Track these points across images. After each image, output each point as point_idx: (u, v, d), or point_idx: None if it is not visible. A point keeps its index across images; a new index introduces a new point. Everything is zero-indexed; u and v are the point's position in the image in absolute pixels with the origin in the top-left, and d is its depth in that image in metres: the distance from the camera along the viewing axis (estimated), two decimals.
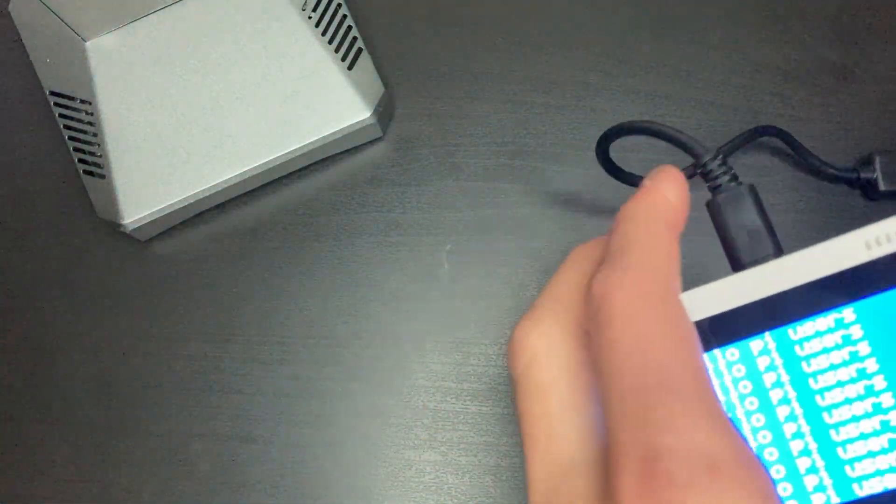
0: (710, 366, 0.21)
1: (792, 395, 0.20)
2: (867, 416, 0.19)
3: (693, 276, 0.22)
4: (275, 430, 0.40)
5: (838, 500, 0.19)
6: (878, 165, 0.39)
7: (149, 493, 0.40)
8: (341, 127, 0.40)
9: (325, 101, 0.41)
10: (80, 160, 0.41)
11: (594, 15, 0.43)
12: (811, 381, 0.20)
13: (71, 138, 0.42)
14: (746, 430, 0.20)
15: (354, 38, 0.42)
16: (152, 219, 0.41)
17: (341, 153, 0.43)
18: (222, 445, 0.40)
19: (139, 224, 0.41)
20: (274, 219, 0.43)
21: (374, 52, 0.43)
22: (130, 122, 0.41)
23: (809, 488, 0.20)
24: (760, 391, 0.20)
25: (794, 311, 0.20)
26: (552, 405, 0.21)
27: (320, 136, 0.40)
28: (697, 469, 0.17)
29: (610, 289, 0.20)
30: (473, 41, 0.44)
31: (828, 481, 0.19)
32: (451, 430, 0.39)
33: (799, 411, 0.20)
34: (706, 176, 0.24)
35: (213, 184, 0.41)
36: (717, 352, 0.21)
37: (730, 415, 0.21)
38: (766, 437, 0.20)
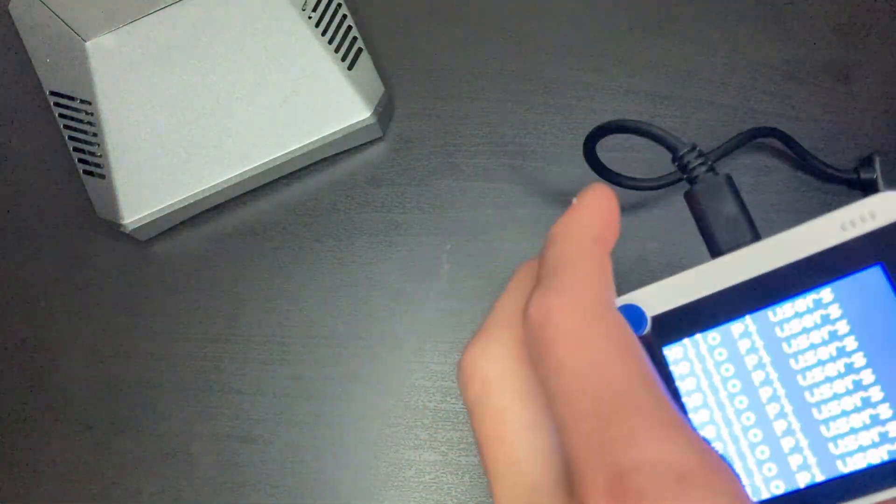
0: (692, 351, 0.21)
1: (774, 376, 0.20)
2: (848, 393, 0.20)
3: (673, 266, 0.22)
4: (275, 430, 0.40)
5: (822, 477, 0.20)
6: (878, 166, 0.39)
7: (149, 493, 0.40)
8: (341, 127, 0.40)
9: (325, 101, 0.41)
10: (80, 160, 0.41)
11: (594, 15, 0.43)
12: (792, 361, 0.20)
13: (71, 138, 0.42)
14: (730, 412, 0.21)
15: (354, 38, 0.42)
16: (152, 219, 0.41)
17: (341, 153, 0.43)
18: (222, 445, 0.40)
19: (139, 224, 0.41)
20: (274, 219, 0.43)
21: (374, 52, 0.43)
22: (130, 122, 0.41)
23: (794, 467, 0.20)
24: (743, 373, 0.21)
25: (772, 293, 0.20)
26: (509, 430, 0.20)
27: (320, 136, 0.40)
28: (666, 481, 0.17)
29: (547, 312, 0.19)
30: (473, 41, 0.44)
31: (812, 459, 0.20)
32: (451, 430, 0.39)
33: (781, 392, 0.20)
34: (683, 168, 0.24)
35: (213, 184, 0.41)
36: (698, 336, 0.21)
37: (713, 398, 0.21)
38: (749, 418, 0.20)
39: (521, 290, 0.22)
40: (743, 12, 0.43)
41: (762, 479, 0.20)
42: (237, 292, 0.42)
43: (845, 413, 0.19)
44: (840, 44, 0.42)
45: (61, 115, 0.42)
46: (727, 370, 0.21)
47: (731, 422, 0.21)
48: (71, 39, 0.42)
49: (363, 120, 0.41)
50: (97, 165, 0.41)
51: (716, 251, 0.23)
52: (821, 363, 0.20)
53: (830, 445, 0.20)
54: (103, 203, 0.41)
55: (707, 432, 0.21)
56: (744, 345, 0.21)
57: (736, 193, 0.23)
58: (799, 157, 0.39)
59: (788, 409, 0.20)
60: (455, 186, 0.42)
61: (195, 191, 0.41)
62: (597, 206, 0.22)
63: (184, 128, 0.41)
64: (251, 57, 0.41)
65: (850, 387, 0.19)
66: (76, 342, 0.42)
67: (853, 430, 0.19)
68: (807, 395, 0.20)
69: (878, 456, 0.19)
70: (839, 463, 0.19)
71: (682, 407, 0.21)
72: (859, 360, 0.19)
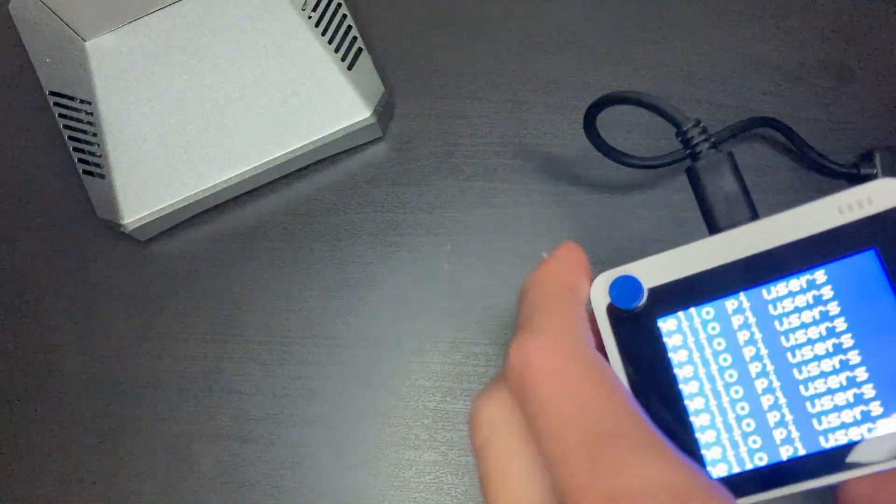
0: (685, 323, 0.22)
1: (764, 352, 0.21)
2: (835, 372, 0.20)
3: (671, 243, 0.22)
4: (275, 430, 0.40)
5: (804, 451, 0.20)
6: (878, 161, 0.39)
7: (149, 493, 0.40)
8: (341, 127, 0.40)
9: (325, 101, 0.41)
10: (80, 160, 0.41)
11: (594, 15, 0.43)
12: (783, 338, 0.21)
13: (71, 138, 0.42)
14: (719, 385, 0.21)
15: (354, 38, 0.41)
16: (152, 219, 0.41)
17: (341, 153, 0.43)
18: (222, 445, 0.40)
19: (139, 224, 0.41)
20: (274, 219, 0.43)
21: (374, 52, 0.43)
22: (130, 122, 0.41)
23: (777, 441, 0.21)
24: (734, 348, 0.21)
25: (768, 271, 0.21)
26: (513, 473, 0.21)
27: (320, 136, 0.40)
28: (666, 503, 0.17)
29: (527, 355, 0.20)
30: (473, 41, 0.44)
31: (795, 434, 0.20)
32: (452, 431, 0.39)
33: (770, 368, 0.21)
34: (686, 143, 0.25)
35: (213, 184, 0.41)
36: (692, 310, 0.22)
37: (704, 370, 0.21)
38: (737, 392, 0.21)
39: None
40: (743, 12, 0.43)
41: (746, 451, 0.21)
42: (237, 292, 0.42)
43: (831, 391, 0.20)
44: (840, 44, 0.42)
45: (61, 115, 0.42)
46: (719, 344, 0.21)
47: (720, 394, 0.21)
48: (71, 39, 0.42)
49: (363, 120, 0.41)
50: (97, 165, 0.41)
51: (714, 228, 0.23)
52: (810, 342, 0.20)
53: (814, 421, 0.20)
54: (103, 203, 0.41)
55: (696, 403, 0.21)
56: (737, 320, 0.21)
57: (737, 171, 0.24)
58: (799, 151, 0.39)
59: (776, 384, 0.21)
60: (455, 186, 0.42)
61: (195, 191, 0.41)
62: (567, 259, 0.23)
63: (184, 128, 0.41)
64: (251, 57, 0.41)
65: (837, 366, 0.20)
66: (76, 342, 0.42)
67: (837, 408, 0.20)
68: (795, 371, 0.21)
69: (858, 433, 0.20)
70: (821, 438, 0.20)
71: (673, 377, 0.22)
72: (847, 340, 0.20)
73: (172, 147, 0.41)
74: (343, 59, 0.41)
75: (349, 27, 0.42)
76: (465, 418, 0.40)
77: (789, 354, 0.21)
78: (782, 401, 0.21)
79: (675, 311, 0.22)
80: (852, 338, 0.20)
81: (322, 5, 0.42)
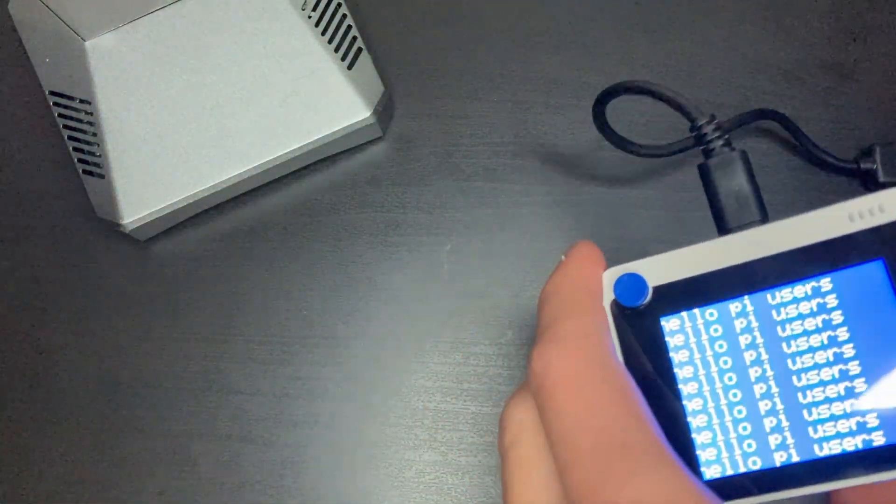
0: (688, 324, 0.22)
1: (765, 357, 0.21)
2: (834, 381, 0.20)
3: (678, 240, 0.22)
4: (275, 430, 0.40)
5: (798, 458, 0.20)
6: (878, 157, 0.39)
7: (149, 493, 0.40)
8: (341, 127, 0.40)
9: (325, 100, 0.41)
10: (80, 160, 0.41)
11: (594, 15, 0.43)
12: (784, 344, 0.21)
13: (70, 138, 0.42)
14: (718, 387, 0.21)
15: (354, 38, 0.41)
16: (152, 219, 0.41)
17: (341, 153, 0.43)
18: (222, 445, 0.40)
19: (139, 224, 0.41)
20: (274, 219, 0.43)
21: (374, 52, 0.43)
22: (130, 122, 0.41)
23: (772, 446, 0.21)
24: (735, 351, 0.21)
25: (773, 276, 0.21)
26: (534, 480, 0.21)
27: (320, 135, 0.40)
28: None
29: (548, 362, 0.21)
30: (473, 41, 0.44)
31: (790, 440, 0.20)
32: (452, 431, 0.39)
33: (770, 373, 0.21)
34: (700, 139, 0.24)
35: (212, 184, 0.41)
36: (696, 311, 0.22)
37: (703, 371, 0.21)
38: (735, 395, 0.21)
39: None
40: (743, 12, 0.43)
41: (740, 454, 0.21)
42: (237, 292, 0.42)
43: (828, 400, 0.20)
44: (840, 44, 0.42)
45: (61, 115, 0.42)
46: (720, 346, 0.21)
47: (719, 396, 0.21)
48: (70, 39, 0.42)
49: (363, 120, 0.41)
50: (97, 165, 0.41)
51: (723, 228, 0.23)
52: (812, 349, 0.20)
53: (810, 429, 0.20)
54: (103, 203, 0.41)
55: (694, 404, 0.21)
56: (740, 324, 0.21)
57: (750, 171, 0.24)
58: (799, 144, 0.39)
59: (775, 390, 0.21)
60: (455, 186, 0.42)
61: (195, 191, 0.41)
62: (585, 260, 0.23)
63: (183, 128, 0.41)
64: (251, 57, 0.41)
65: (837, 375, 0.20)
66: (76, 342, 0.42)
67: (833, 417, 0.20)
68: (794, 378, 0.21)
69: (853, 444, 0.20)
70: (816, 447, 0.20)
71: (672, 377, 0.22)
72: (849, 350, 0.20)
73: (172, 147, 0.41)
74: (343, 59, 0.41)
75: (349, 27, 0.42)
76: (465, 418, 0.40)
77: (789, 361, 0.21)
78: (780, 407, 0.21)
79: (679, 311, 0.22)
80: (853, 348, 0.20)
81: (322, 5, 0.42)
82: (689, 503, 0.18)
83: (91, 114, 0.41)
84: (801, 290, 0.21)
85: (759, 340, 0.21)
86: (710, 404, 0.21)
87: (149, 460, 0.40)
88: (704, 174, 0.24)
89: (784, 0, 0.43)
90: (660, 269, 0.22)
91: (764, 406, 0.21)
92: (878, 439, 0.19)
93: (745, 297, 0.21)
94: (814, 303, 0.20)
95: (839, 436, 0.20)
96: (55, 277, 0.43)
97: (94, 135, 0.41)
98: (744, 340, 0.21)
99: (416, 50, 0.44)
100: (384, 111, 0.42)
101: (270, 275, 0.42)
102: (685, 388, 0.22)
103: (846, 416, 0.20)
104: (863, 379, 0.20)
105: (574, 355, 0.21)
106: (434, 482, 0.39)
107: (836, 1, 0.42)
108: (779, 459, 0.20)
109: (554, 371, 0.20)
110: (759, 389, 0.21)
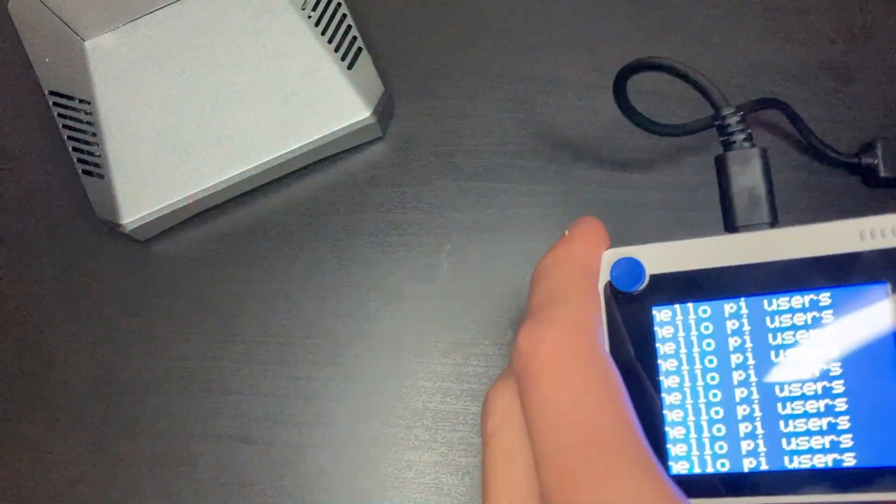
0: (679, 317, 0.21)
1: (751, 361, 0.21)
2: (815, 397, 0.20)
3: (683, 226, 0.22)
4: (275, 430, 0.40)
5: (766, 467, 0.20)
6: (879, 151, 0.39)
7: (149, 493, 0.40)
8: (341, 127, 0.40)
9: (325, 100, 0.41)
10: (80, 160, 0.41)
11: (594, 15, 0.43)
12: (772, 353, 0.20)
13: (70, 138, 0.41)
14: (699, 385, 0.21)
15: (354, 38, 0.41)
16: (152, 219, 0.41)
17: (341, 153, 0.43)
18: (222, 445, 0.40)
19: (139, 224, 0.41)
20: (274, 219, 0.43)
21: (374, 52, 0.43)
22: (130, 122, 0.41)
23: (743, 451, 0.20)
24: (722, 351, 0.21)
25: (773, 282, 0.21)
26: (515, 469, 0.21)
27: (320, 135, 0.40)
28: None
29: (536, 344, 0.20)
30: (474, 41, 0.43)
31: (762, 448, 0.20)
32: (452, 431, 0.39)
33: (753, 379, 0.21)
34: (722, 130, 0.23)
35: (212, 184, 0.41)
36: (689, 305, 0.21)
37: (687, 367, 0.21)
38: (715, 395, 0.21)
39: None
40: (743, 12, 0.43)
41: (710, 455, 0.21)
42: (237, 292, 0.42)
43: (807, 414, 0.20)
44: (840, 44, 0.42)
45: (60, 115, 0.42)
46: (708, 345, 0.21)
47: (698, 394, 0.21)
48: (70, 39, 0.42)
49: (363, 120, 0.40)
50: (96, 165, 0.41)
51: (731, 225, 0.23)
52: (798, 362, 0.20)
53: (784, 440, 0.20)
54: (103, 203, 0.41)
55: (672, 398, 0.21)
56: (731, 325, 0.21)
57: (767, 171, 0.23)
58: (801, 134, 0.39)
59: (755, 396, 0.20)
60: (455, 186, 0.42)
61: (195, 191, 0.41)
62: (588, 236, 0.22)
63: (183, 128, 0.41)
64: (251, 57, 0.41)
65: (819, 392, 0.20)
66: (76, 342, 0.42)
67: (809, 433, 0.20)
68: (776, 388, 0.20)
69: (823, 461, 0.20)
70: (786, 458, 0.20)
71: (655, 367, 0.21)
72: (835, 368, 0.20)
73: (172, 147, 0.41)
74: (343, 59, 0.41)
75: (349, 27, 0.42)
76: (465, 419, 0.40)
77: (775, 370, 0.20)
78: (757, 413, 0.20)
79: (672, 303, 0.22)
80: (840, 367, 0.20)
81: (322, 5, 0.42)
82: None
83: (91, 114, 0.41)
84: (798, 300, 0.20)
85: (749, 345, 0.21)
86: (689, 401, 0.21)
87: (149, 460, 0.40)
88: (721, 166, 0.23)
89: (784, 0, 0.43)
90: (660, 258, 0.22)
91: (742, 410, 0.20)
92: (849, 460, 0.19)
93: (742, 299, 0.21)
94: (809, 315, 0.20)
95: (811, 451, 0.20)
96: (55, 277, 0.43)
97: (94, 135, 0.41)
98: (733, 342, 0.21)
99: (416, 50, 0.44)
100: (384, 111, 0.42)
101: (270, 275, 0.42)
102: (666, 381, 0.21)
103: (821, 432, 0.20)
104: (844, 399, 0.20)
105: (566, 342, 0.20)
106: (434, 483, 0.39)
107: (836, 2, 0.42)
108: (747, 465, 0.20)
109: (543, 353, 0.20)
110: (739, 393, 0.21)
